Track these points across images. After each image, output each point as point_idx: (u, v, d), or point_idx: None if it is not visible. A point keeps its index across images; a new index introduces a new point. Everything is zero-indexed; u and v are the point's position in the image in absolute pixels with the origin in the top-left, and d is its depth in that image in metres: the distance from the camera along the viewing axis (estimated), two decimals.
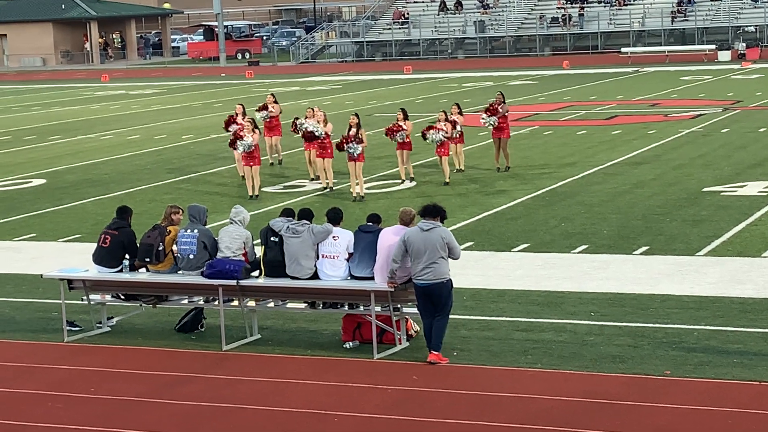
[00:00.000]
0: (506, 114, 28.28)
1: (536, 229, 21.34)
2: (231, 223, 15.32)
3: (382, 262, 14.16)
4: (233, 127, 28.24)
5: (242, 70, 76.30)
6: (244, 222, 15.31)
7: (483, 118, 28.33)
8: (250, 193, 26.01)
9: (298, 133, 27.52)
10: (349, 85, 61.52)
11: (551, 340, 14.56)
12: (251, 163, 25.96)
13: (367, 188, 26.42)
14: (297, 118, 27.89)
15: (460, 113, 28.18)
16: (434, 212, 14.00)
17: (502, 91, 29.64)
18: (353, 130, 25.20)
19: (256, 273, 15.10)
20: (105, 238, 15.67)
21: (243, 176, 27.73)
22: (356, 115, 25.82)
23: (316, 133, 26.07)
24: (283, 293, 15.05)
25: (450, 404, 12.49)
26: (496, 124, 27.94)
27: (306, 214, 14.99)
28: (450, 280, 13.88)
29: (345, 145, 25.03)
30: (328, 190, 26.51)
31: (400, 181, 27.19)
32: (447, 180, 26.69)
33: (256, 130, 26.28)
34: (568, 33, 78.86)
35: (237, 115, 28.80)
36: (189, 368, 14.15)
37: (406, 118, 26.88)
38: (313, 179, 27.89)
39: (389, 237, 14.19)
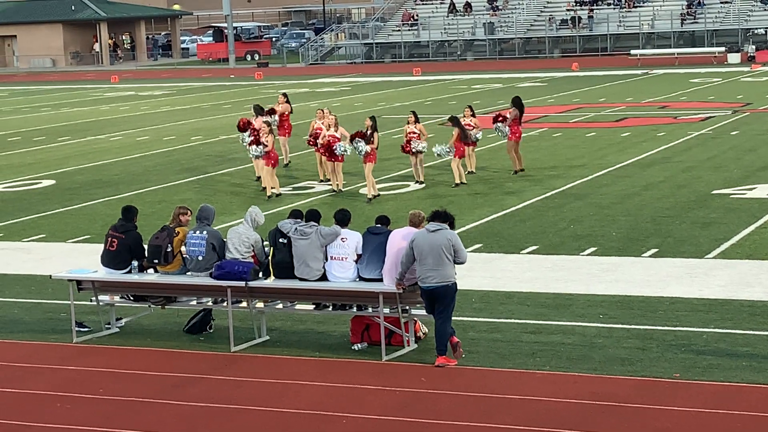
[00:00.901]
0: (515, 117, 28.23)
1: (545, 231, 21.32)
2: (243, 223, 15.30)
3: (391, 264, 14.16)
4: (246, 135, 28.02)
5: (251, 72, 76.38)
6: (255, 222, 15.28)
7: (497, 127, 28.18)
8: (269, 193, 26.11)
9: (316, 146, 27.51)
10: (358, 87, 61.54)
11: (560, 343, 14.55)
12: (267, 163, 26.04)
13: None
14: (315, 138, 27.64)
15: (473, 115, 28.19)
16: (444, 217, 14.03)
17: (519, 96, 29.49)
18: (368, 132, 25.33)
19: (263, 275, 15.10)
20: (112, 241, 15.67)
21: (259, 176, 27.75)
22: (372, 117, 25.88)
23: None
24: (292, 295, 15.05)
25: (458, 406, 12.49)
26: (508, 133, 27.90)
27: (313, 215, 14.97)
28: (455, 283, 13.88)
29: (353, 140, 25.18)
30: (338, 191, 26.49)
31: (413, 182, 27.21)
32: (457, 181, 26.62)
33: (271, 134, 26.31)
34: (578, 35, 78.81)
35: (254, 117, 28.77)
36: (197, 369, 14.16)
37: (417, 120, 26.90)
38: (322, 181, 27.89)
39: (399, 239, 14.20)
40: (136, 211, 16.16)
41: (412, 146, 26.49)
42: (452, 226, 14.13)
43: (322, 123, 27.28)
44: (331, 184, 26.99)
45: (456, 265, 13.91)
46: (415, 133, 26.52)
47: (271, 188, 26.20)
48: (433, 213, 14.14)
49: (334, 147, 25.79)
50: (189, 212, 15.80)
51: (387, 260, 14.23)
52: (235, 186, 28.54)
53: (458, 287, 14.02)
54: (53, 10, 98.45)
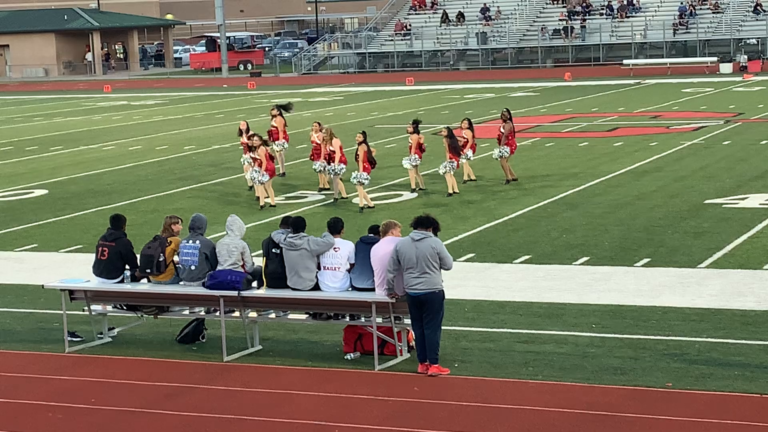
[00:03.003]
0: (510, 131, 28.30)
1: (538, 241, 21.34)
2: (227, 234, 15.30)
3: (381, 277, 14.14)
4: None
5: (244, 81, 76.38)
6: (239, 231, 15.27)
7: (497, 150, 28.19)
8: (261, 204, 26.08)
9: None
10: (351, 97, 61.57)
11: (552, 352, 14.55)
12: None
13: (370, 199, 26.39)
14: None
15: (470, 128, 28.24)
16: (426, 223, 14.01)
17: (508, 108, 29.48)
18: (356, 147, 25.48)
19: (255, 284, 15.09)
20: (103, 250, 15.66)
21: (251, 186, 27.74)
22: (363, 133, 25.94)
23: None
24: (285, 304, 15.04)
25: (451, 416, 12.48)
26: (508, 153, 28.00)
27: (297, 223, 14.86)
28: (442, 290, 13.89)
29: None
30: (340, 198, 26.48)
31: (410, 190, 27.30)
32: (450, 191, 26.67)
33: (267, 146, 26.33)
34: (570, 45, 78.91)
35: (242, 132, 28.72)
36: (190, 379, 14.14)
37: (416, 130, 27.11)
38: (321, 189, 27.86)
39: (382, 250, 14.16)
40: (124, 220, 16.14)
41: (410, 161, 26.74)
42: (436, 231, 14.10)
43: (318, 137, 27.49)
44: (332, 193, 26.91)
45: (444, 272, 13.92)
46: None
47: (265, 198, 26.18)
48: (416, 220, 14.10)
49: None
50: (180, 221, 15.79)
51: (376, 274, 14.22)
52: (228, 195, 28.53)
53: (451, 297, 14.04)
54: (46, 19, 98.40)
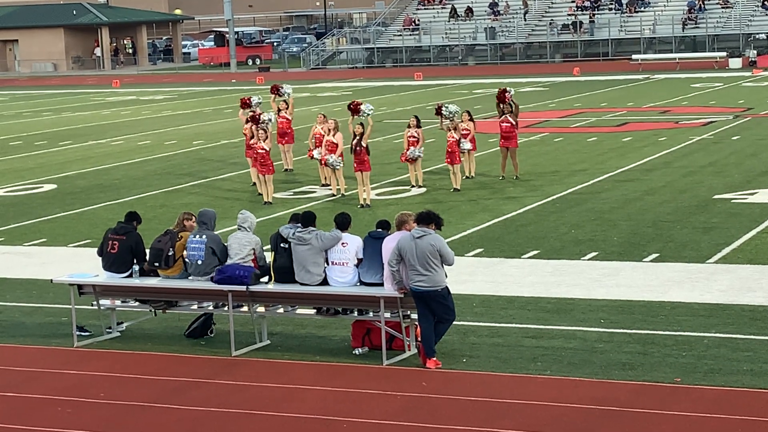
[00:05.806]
0: (516, 122, 28.22)
1: (546, 236, 21.32)
2: (239, 229, 15.32)
3: (388, 271, 14.14)
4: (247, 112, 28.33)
5: (253, 76, 76.43)
6: (251, 227, 15.30)
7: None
8: (265, 199, 26.05)
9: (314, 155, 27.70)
10: (359, 92, 61.54)
11: (561, 347, 14.54)
12: (264, 172, 25.97)
13: (376, 194, 26.44)
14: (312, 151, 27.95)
15: (471, 120, 28.21)
16: (427, 219, 13.98)
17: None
18: (356, 139, 25.15)
19: (266, 279, 15.11)
20: (113, 244, 15.68)
21: (254, 183, 27.76)
22: (361, 124, 25.67)
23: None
24: (293, 299, 15.05)
25: (459, 411, 12.49)
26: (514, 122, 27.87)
27: (308, 218, 14.89)
28: (446, 287, 13.87)
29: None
30: (339, 195, 26.50)
31: (409, 187, 27.22)
32: (457, 187, 26.67)
33: (267, 140, 26.26)
34: (579, 40, 78.84)
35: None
36: (198, 374, 14.16)
37: (418, 125, 26.92)
38: (324, 185, 27.88)
39: (393, 243, 14.16)
40: (139, 219, 16.10)
41: (408, 154, 26.55)
42: (439, 226, 14.08)
43: (322, 128, 27.32)
44: (331, 189, 26.97)
45: (449, 267, 13.91)
46: (414, 137, 26.59)
47: (266, 194, 26.08)
48: (418, 215, 14.09)
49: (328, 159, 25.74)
50: (194, 218, 15.79)
51: (385, 268, 14.22)
52: (236, 191, 28.54)
53: (460, 292, 14.04)
54: (55, 14, 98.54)
